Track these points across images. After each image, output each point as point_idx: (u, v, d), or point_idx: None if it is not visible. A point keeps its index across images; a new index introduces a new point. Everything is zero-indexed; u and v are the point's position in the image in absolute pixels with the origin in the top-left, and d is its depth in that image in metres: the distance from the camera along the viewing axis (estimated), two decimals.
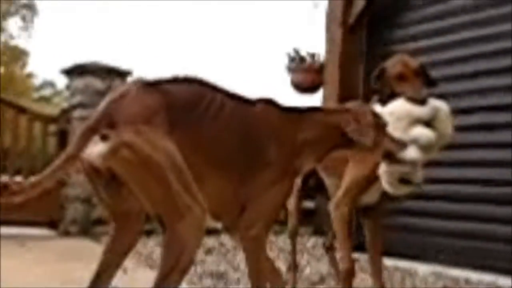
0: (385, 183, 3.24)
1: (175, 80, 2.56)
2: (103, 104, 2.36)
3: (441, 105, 3.23)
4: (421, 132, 3.07)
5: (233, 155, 2.55)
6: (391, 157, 2.90)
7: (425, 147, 3.05)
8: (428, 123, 3.12)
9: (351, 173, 3.49)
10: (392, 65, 3.33)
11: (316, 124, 2.80)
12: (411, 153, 2.96)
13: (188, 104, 2.46)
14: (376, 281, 3.63)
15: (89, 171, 2.33)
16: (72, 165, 2.26)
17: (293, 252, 4.28)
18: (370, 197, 3.53)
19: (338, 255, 3.76)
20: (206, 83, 2.60)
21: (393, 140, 2.88)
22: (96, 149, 2.22)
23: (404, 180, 3.19)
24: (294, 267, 4.26)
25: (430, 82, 3.33)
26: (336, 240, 4.14)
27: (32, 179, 2.27)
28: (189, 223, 2.28)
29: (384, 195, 3.44)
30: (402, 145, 2.89)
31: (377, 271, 3.63)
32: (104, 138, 2.22)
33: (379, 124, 2.85)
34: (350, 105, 2.98)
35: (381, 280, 3.64)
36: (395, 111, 3.10)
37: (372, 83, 3.39)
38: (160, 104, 2.36)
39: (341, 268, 3.55)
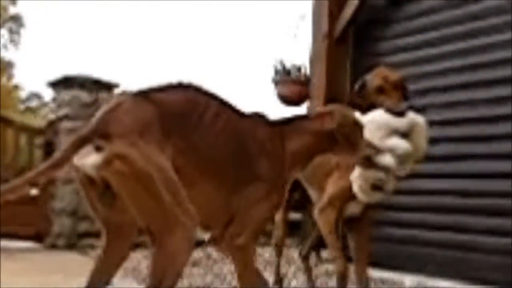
0: (356, 189, 3.29)
1: (170, 87, 2.57)
2: (98, 114, 2.35)
3: (419, 119, 3.29)
4: (398, 143, 3.13)
5: (226, 165, 2.56)
6: (367, 162, 2.93)
7: (400, 157, 3.10)
8: (405, 134, 3.18)
9: (336, 183, 3.51)
10: (372, 78, 3.39)
11: (302, 133, 2.83)
12: (387, 159, 3.00)
13: (182, 113, 2.46)
14: None
15: (83, 180, 2.34)
16: (57, 171, 2.25)
17: (278, 263, 4.29)
18: (354, 208, 3.55)
19: (331, 258, 3.76)
20: (201, 90, 2.61)
21: (371, 144, 2.92)
22: (90, 159, 2.22)
23: (376, 187, 3.24)
24: (279, 278, 4.27)
25: (405, 96, 3.38)
26: (310, 249, 4.20)
27: (16, 181, 2.23)
28: (179, 237, 2.28)
29: (368, 205, 3.47)
30: (379, 150, 2.93)
31: (363, 282, 3.65)
32: (98, 149, 2.23)
33: (361, 128, 2.90)
34: (332, 107, 3.02)
35: None
36: (374, 120, 3.16)
37: (355, 97, 3.44)
38: (154, 114, 2.36)
39: (335, 271, 3.58)
